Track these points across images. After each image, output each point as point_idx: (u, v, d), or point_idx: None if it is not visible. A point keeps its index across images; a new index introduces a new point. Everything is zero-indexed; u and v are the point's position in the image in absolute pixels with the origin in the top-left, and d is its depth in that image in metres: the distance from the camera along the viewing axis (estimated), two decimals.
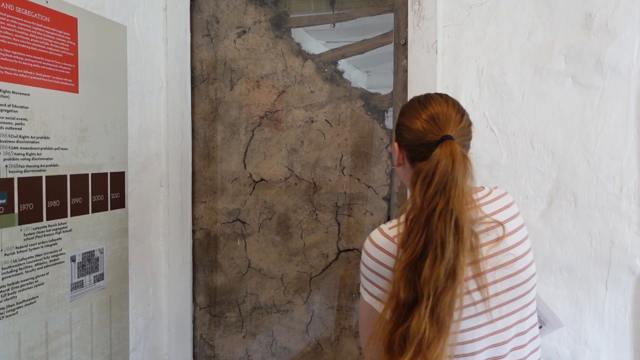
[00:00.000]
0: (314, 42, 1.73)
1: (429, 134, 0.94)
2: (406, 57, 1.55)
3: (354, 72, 1.69)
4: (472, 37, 1.48)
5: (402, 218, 0.94)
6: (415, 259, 0.87)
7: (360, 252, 1.60)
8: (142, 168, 1.69)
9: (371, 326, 0.93)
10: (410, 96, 1.53)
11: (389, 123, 1.61)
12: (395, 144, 1.04)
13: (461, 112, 0.99)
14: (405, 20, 1.55)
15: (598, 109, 1.37)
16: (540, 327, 1.10)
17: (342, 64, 1.68)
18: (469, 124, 1.00)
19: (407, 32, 1.54)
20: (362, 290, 1.02)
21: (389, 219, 1.62)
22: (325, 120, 1.68)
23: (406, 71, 1.55)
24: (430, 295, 0.85)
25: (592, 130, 1.38)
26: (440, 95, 1.03)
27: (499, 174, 1.45)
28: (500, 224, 0.94)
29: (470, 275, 0.91)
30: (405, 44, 1.55)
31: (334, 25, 1.70)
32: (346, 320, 1.68)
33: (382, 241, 0.98)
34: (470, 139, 1.01)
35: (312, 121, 1.69)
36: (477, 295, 0.91)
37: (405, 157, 1.01)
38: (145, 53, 1.69)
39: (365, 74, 1.72)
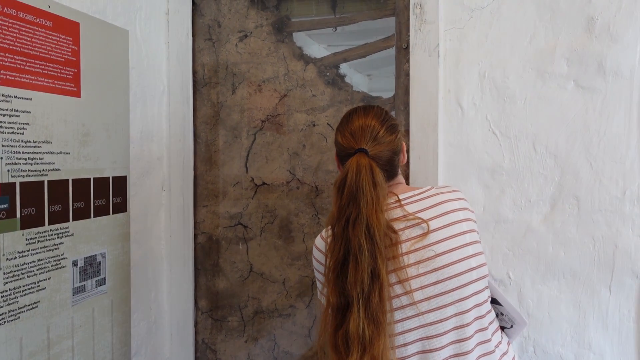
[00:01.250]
0: (316, 46, 1.73)
1: (348, 148, 1.05)
2: (408, 61, 1.55)
3: (355, 76, 1.69)
4: (474, 40, 1.48)
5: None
6: (339, 265, 0.96)
7: None
8: (143, 172, 1.69)
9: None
10: (412, 100, 1.53)
11: None
12: (335, 154, 1.14)
13: (382, 121, 1.06)
14: (407, 24, 1.55)
15: (600, 112, 1.37)
16: (511, 327, 1.12)
17: (344, 68, 1.69)
18: (393, 131, 1.07)
19: (408, 35, 1.54)
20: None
21: None
22: (327, 124, 1.68)
23: (408, 75, 1.55)
24: (360, 298, 0.93)
25: (594, 133, 1.38)
26: (365, 107, 1.11)
27: (501, 178, 1.45)
28: (424, 220, 1.00)
29: (391, 269, 0.97)
30: (407, 47, 1.55)
31: (336, 29, 1.70)
32: None
33: (319, 242, 1.10)
34: (395, 145, 1.07)
35: (314, 125, 1.69)
36: (398, 289, 0.97)
37: (342, 166, 1.10)
38: (147, 57, 1.69)
39: (366, 78, 1.72)
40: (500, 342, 1.07)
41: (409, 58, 1.54)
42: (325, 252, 1.04)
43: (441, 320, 0.99)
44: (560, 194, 1.41)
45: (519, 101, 1.44)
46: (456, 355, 1.00)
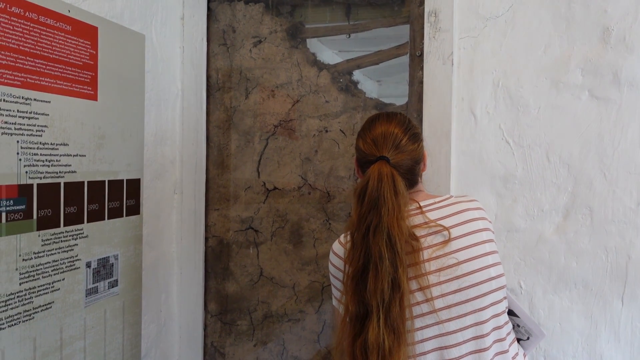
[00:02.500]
0: (329, 52, 1.74)
1: (369, 155, 1.04)
2: (422, 69, 1.56)
3: (368, 83, 1.70)
4: (488, 49, 1.48)
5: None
6: (359, 273, 0.96)
7: None
8: (156, 175, 1.70)
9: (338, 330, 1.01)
10: (425, 107, 1.53)
11: None
12: (355, 159, 1.14)
13: (405, 130, 1.06)
14: (421, 32, 1.56)
15: (615, 122, 1.37)
16: (527, 339, 1.12)
17: (357, 75, 1.69)
18: (415, 140, 1.07)
19: (422, 43, 1.55)
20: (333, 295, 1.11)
21: None
22: (340, 130, 1.69)
23: (422, 82, 1.55)
24: (380, 307, 0.92)
25: (608, 143, 1.37)
26: (388, 114, 1.11)
27: (514, 187, 1.45)
28: (446, 228, 1.00)
29: (412, 276, 0.97)
30: (421, 55, 1.56)
31: (349, 36, 1.71)
32: None
33: (337, 248, 1.10)
34: (417, 154, 1.08)
35: (327, 131, 1.70)
36: (419, 296, 0.97)
37: (362, 172, 1.09)
38: (162, 61, 1.71)
39: (377, 84, 1.72)
40: (517, 354, 1.06)
41: (422, 66, 1.55)
42: (344, 259, 1.04)
43: (460, 330, 0.98)
44: (573, 204, 1.40)
45: (533, 110, 1.43)
46: None
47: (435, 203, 1.06)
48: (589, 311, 1.40)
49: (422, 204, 1.05)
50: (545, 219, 1.43)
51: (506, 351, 1.03)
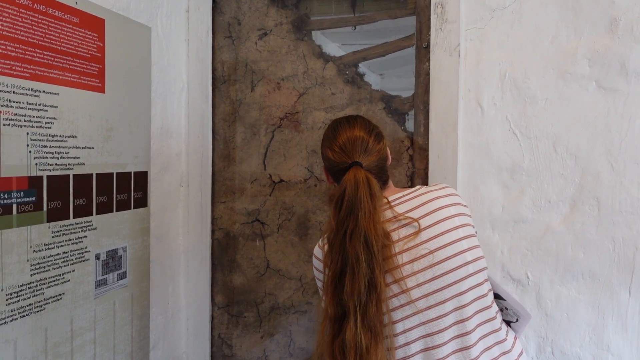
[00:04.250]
0: (335, 44, 1.74)
1: (341, 163, 1.07)
2: (428, 60, 1.55)
3: (373, 75, 1.70)
4: (495, 40, 1.48)
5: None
6: (337, 276, 0.99)
7: None
8: (163, 168, 1.71)
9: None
10: (432, 99, 1.53)
11: (410, 125, 1.61)
12: (324, 167, 1.17)
13: (369, 132, 1.09)
14: (427, 24, 1.56)
15: (622, 113, 1.37)
16: (517, 321, 1.13)
17: (363, 67, 1.69)
18: (380, 139, 1.11)
19: (429, 35, 1.55)
20: None
21: None
22: None
23: (428, 74, 1.55)
24: (357, 308, 0.96)
25: (616, 134, 1.37)
26: (348, 119, 1.14)
27: (521, 178, 1.45)
28: (415, 219, 1.02)
29: (386, 269, 0.99)
30: (428, 47, 1.56)
31: (355, 28, 1.71)
32: None
33: (317, 251, 1.14)
34: (383, 152, 1.11)
35: None
36: (395, 288, 1.00)
37: (334, 180, 1.13)
38: (167, 54, 1.71)
39: (382, 76, 1.72)
40: (507, 333, 1.08)
41: (429, 57, 1.55)
42: (321, 258, 1.07)
43: (441, 316, 1.00)
44: (581, 195, 1.41)
45: (540, 101, 1.43)
46: (459, 350, 1.01)
47: (403, 196, 1.08)
48: (596, 302, 1.40)
49: (390, 198, 1.07)
50: (552, 210, 1.43)
51: (498, 329, 1.05)
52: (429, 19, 1.55)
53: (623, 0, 1.36)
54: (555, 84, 1.42)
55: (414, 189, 1.10)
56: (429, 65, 1.54)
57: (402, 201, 1.07)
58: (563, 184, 1.42)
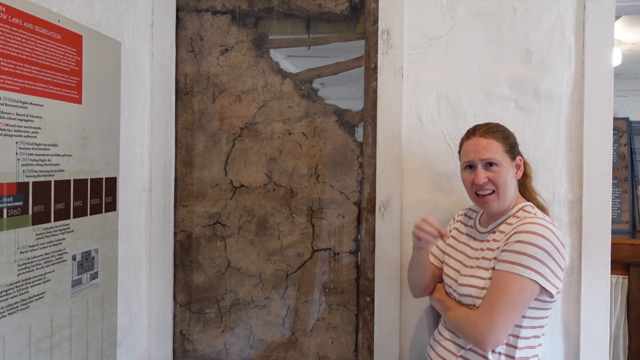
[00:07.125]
0: (292, 61, 1.91)
1: None
2: (376, 80, 1.77)
3: (327, 90, 1.89)
4: (433, 64, 1.72)
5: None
6: None
7: (333, 252, 1.80)
8: (128, 174, 1.80)
9: (523, 300, 1.21)
10: (379, 113, 1.75)
11: (359, 136, 1.82)
12: (523, 159, 1.42)
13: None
14: (375, 47, 1.77)
15: (535, 129, 1.65)
16: None
17: (317, 83, 1.88)
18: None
19: (377, 57, 1.76)
20: (526, 271, 1.21)
21: (358, 222, 1.82)
22: (302, 132, 1.87)
23: (375, 92, 1.77)
24: None
25: (530, 146, 1.65)
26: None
27: (454, 183, 1.70)
28: None
29: None
30: (375, 68, 1.77)
31: (309, 48, 1.90)
32: (319, 312, 1.87)
33: (560, 234, 1.28)
34: None
35: (290, 133, 1.87)
36: None
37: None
38: (133, 66, 1.81)
39: (336, 91, 1.92)
40: None
41: (377, 77, 1.76)
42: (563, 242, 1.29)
43: None
44: None
45: (470, 118, 1.69)
46: None
47: None
48: None
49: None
50: None
51: None
52: (376, 44, 1.77)
53: (536, 35, 1.64)
54: (482, 103, 1.68)
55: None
56: (377, 84, 1.76)
57: None
58: None
